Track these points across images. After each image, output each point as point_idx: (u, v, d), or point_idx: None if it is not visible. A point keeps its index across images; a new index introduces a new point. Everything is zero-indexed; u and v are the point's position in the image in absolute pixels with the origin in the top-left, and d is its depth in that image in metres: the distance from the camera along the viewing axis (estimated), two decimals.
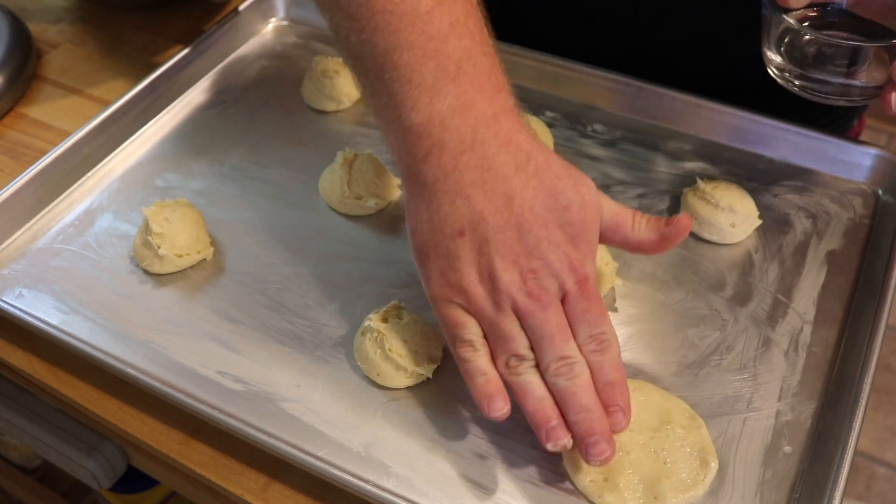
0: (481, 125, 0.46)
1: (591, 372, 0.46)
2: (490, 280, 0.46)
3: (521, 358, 0.46)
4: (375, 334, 0.53)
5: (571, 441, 0.46)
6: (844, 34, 0.53)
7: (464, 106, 0.46)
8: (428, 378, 0.53)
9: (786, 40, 0.56)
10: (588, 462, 0.45)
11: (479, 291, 0.46)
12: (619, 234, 0.49)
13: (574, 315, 0.47)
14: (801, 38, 0.55)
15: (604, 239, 0.49)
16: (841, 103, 0.56)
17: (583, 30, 0.74)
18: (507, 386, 0.47)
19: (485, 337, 0.47)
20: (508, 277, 0.46)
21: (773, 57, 0.57)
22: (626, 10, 0.72)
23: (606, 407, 0.46)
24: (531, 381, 0.46)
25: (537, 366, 0.47)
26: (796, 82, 0.56)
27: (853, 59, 0.53)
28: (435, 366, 0.53)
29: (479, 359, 0.47)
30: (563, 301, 0.47)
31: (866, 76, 0.54)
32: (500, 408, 0.45)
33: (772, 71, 0.58)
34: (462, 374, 0.48)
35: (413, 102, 0.46)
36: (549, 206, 0.46)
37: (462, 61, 0.46)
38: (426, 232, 0.47)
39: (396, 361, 0.52)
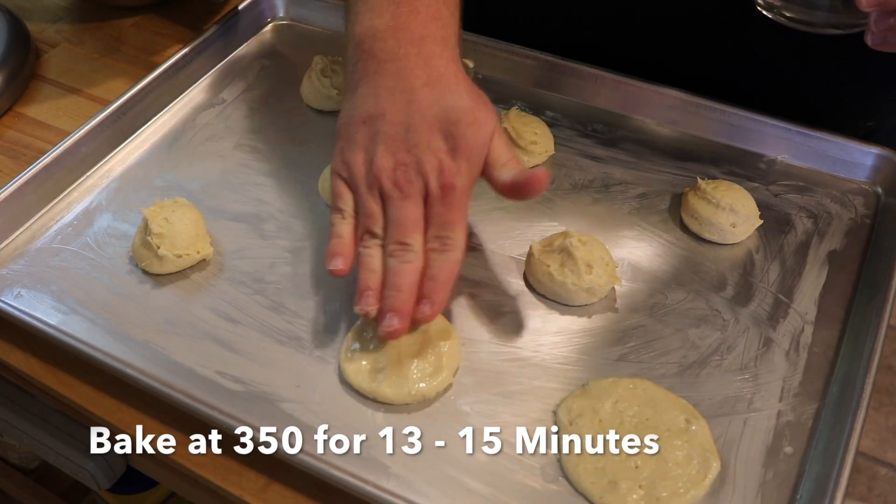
0: (408, 44, 0.54)
1: (426, 267, 0.51)
2: (370, 163, 0.53)
3: (372, 235, 0.53)
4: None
5: (376, 311, 0.51)
6: None
7: (397, 26, 0.54)
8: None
9: None
10: (380, 333, 0.50)
11: (359, 171, 0.53)
12: (490, 168, 0.54)
13: (430, 215, 0.52)
14: None
15: (484, 170, 0.54)
16: (830, 32, 0.55)
17: (582, 27, 0.74)
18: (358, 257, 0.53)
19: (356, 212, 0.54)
20: (383, 164, 0.52)
21: None
22: (626, 5, 0.71)
23: (420, 297, 0.51)
24: (373, 255, 0.53)
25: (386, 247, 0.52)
26: (786, 14, 0.55)
27: None
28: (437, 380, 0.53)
29: (342, 225, 0.54)
30: (427, 202, 0.52)
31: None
32: (337, 265, 0.52)
33: (759, 4, 0.57)
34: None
35: (359, 18, 0.55)
36: (441, 116, 0.52)
37: None
38: (344, 119, 0.55)
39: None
